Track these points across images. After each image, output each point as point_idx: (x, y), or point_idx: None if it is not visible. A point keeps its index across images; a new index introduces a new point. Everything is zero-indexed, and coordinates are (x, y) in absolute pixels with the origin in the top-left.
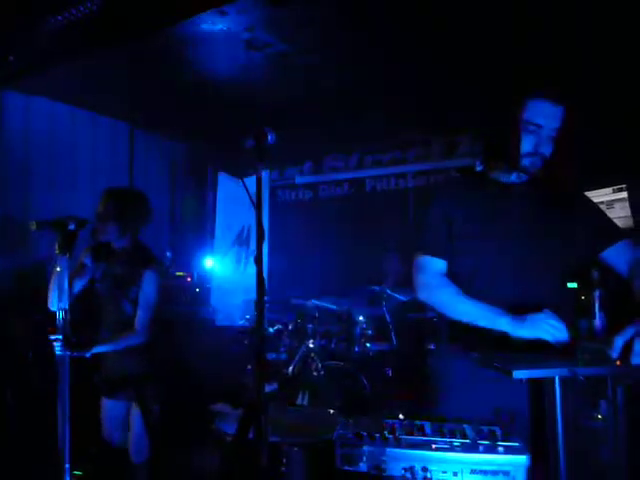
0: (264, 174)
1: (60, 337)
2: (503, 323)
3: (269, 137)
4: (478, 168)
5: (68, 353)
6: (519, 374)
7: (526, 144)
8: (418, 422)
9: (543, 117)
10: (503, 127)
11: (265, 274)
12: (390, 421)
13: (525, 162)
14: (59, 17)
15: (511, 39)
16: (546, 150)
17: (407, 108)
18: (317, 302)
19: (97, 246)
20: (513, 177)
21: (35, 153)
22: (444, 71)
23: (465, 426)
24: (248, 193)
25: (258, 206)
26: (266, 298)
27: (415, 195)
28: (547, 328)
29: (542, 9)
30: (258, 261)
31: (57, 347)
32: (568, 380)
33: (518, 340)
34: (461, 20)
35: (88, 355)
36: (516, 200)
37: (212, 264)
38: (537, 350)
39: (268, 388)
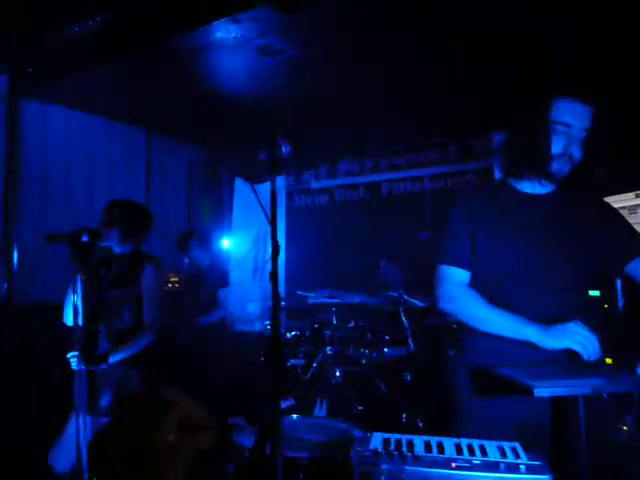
0: (280, 179)
1: (76, 353)
2: (530, 333)
3: (283, 149)
4: (497, 176)
5: (84, 367)
6: (541, 392)
7: (555, 145)
8: (437, 439)
9: (572, 116)
10: (528, 129)
11: (282, 279)
12: (408, 437)
13: (554, 167)
14: (75, 28)
15: (534, 36)
16: (575, 152)
17: (423, 111)
18: (329, 297)
19: (96, 260)
20: (537, 186)
21: (52, 161)
22: (461, 73)
23: (485, 443)
24: (260, 203)
25: (273, 220)
26: (282, 303)
27: (432, 198)
28: (578, 338)
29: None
30: (274, 277)
31: (73, 362)
32: (592, 396)
33: (544, 352)
34: (479, 19)
35: (105, 367)
36: (539, 211)
37: (229, 244)
38: (563, 363)
39: (284, 404)
